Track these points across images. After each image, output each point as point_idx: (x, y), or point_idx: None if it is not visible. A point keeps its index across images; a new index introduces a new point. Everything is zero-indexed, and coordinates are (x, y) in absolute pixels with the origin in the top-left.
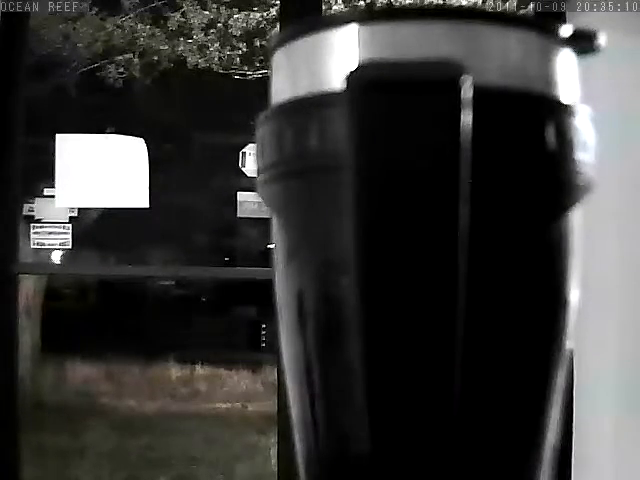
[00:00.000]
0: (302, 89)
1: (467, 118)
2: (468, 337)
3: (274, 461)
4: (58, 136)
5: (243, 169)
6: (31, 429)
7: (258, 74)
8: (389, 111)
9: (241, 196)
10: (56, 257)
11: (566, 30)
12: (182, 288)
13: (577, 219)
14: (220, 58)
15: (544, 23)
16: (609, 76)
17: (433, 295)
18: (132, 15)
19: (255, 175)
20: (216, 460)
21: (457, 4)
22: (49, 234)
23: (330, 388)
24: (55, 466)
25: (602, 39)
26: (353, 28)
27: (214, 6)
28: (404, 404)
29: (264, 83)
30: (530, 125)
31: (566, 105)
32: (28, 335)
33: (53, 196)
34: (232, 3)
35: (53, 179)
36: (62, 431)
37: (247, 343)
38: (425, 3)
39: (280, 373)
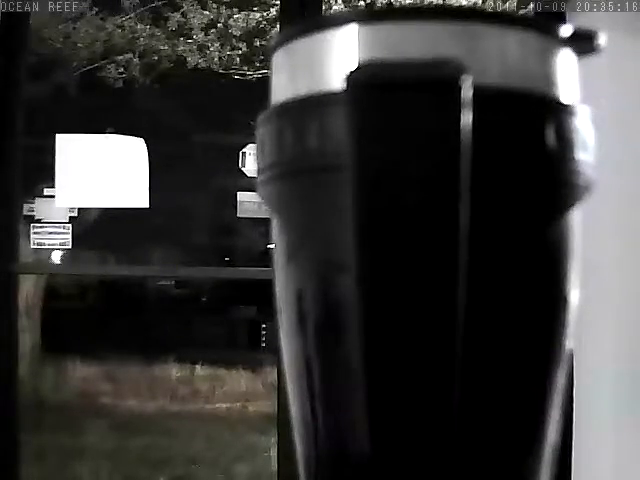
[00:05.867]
0: (302, 89)
1: (467, 118)
2: (468, 337)
3: (274, 461)
4: (58, 136)
5: (243, 169)
6: (31, 429)
7: (258, 74)
8: (389, 111)
9: (241, 196)
10: (56, 257)
11: (566, 30)
12: (182, 288)
13: (577, 219)
14: (220, 58)
15: (544, 23)
16: (609, 76)
17: (433, 295)
18: (132, 15)
19: (255, 175)
20: (216, 460)
21: (457, 4)
22: (49, 234)
23: (330, 388)
24: (55, 466)
25: (602, 39)
26: (353, 28)
27: (214, 6)
28: (404, 404)
29: (264, 83)
30: (530, 125)
31: (566, 105)
32: (28, 335)
33: (53, 196)
34: (232, 3)
35: (53, 179)
36: (62, 431)
37: (247, 343)
38: (425, 3)
39: (280, 373)
